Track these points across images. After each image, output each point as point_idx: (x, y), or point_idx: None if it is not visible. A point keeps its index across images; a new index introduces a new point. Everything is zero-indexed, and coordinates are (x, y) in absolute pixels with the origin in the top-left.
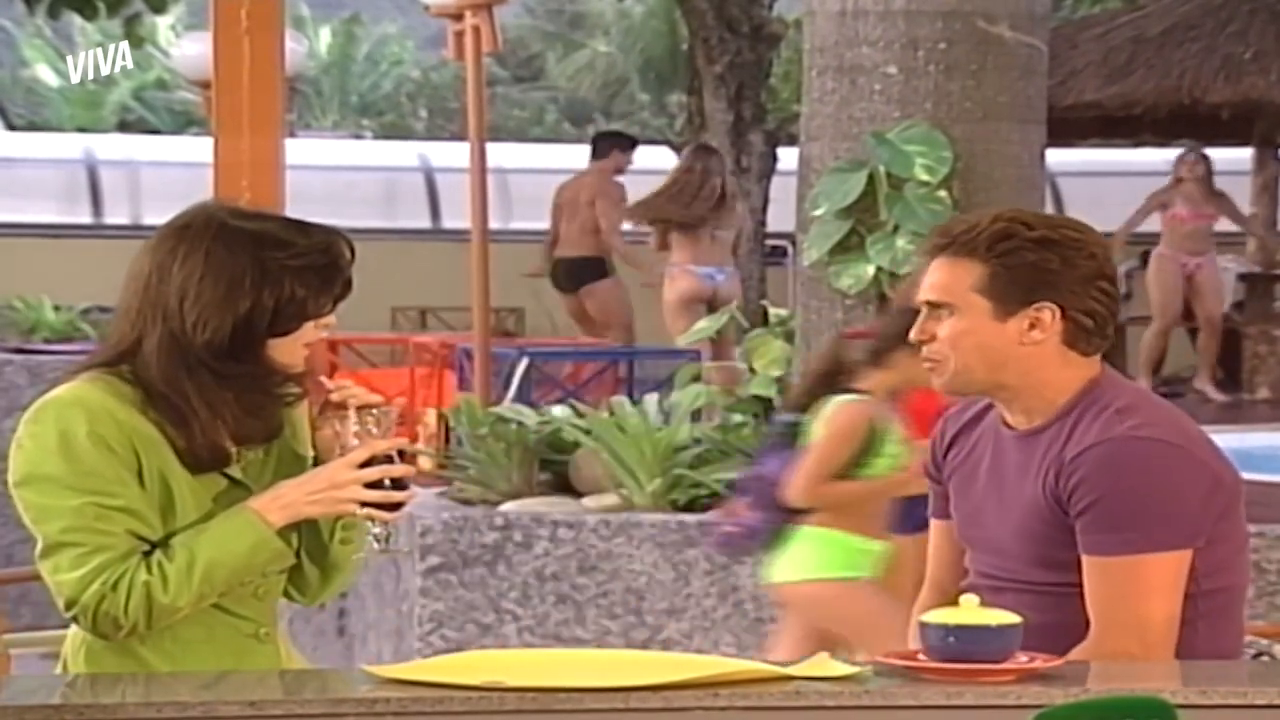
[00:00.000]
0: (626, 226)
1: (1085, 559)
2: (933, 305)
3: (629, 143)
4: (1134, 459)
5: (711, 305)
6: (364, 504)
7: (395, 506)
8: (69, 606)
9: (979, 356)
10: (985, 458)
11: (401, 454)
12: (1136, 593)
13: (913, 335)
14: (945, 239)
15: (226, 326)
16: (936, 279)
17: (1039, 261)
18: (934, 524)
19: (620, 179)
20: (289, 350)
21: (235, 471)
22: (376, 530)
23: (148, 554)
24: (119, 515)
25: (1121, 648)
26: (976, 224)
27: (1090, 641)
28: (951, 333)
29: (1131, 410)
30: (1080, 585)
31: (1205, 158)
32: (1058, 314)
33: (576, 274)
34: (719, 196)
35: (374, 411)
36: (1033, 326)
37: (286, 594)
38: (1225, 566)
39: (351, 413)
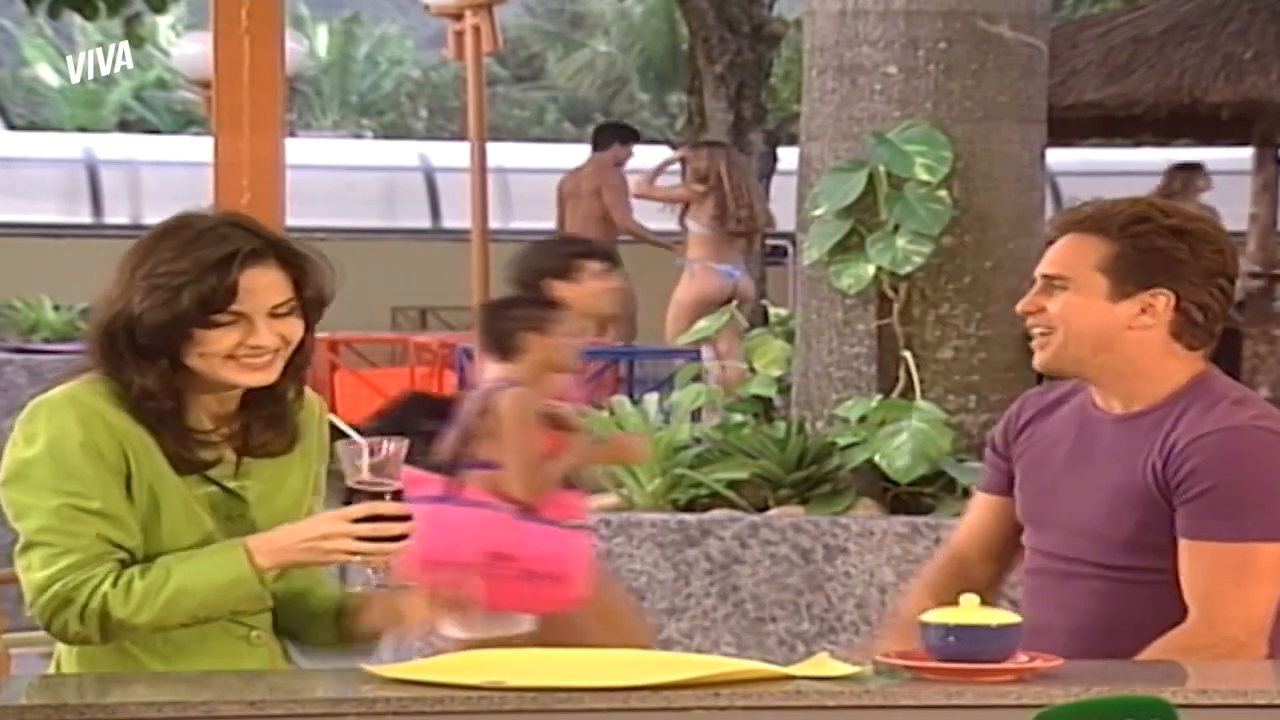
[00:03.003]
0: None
1: (1189, 543)
2: (1049, 279)
3: (630, 135)
4: (1254, 447)
5: (729, 303)
6: (356, 552)
7: (393, 541)
8: (31, 605)
9: (1088, 335)
10: (1067, 439)
11: (399, 495)
12: (1246, 580)
13: (1020, 306)
14: (1081, 215)
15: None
16: (1059, 254)
17: (1168, 248)
18: (981, 497)
19: (622, 170)
20: (208, 366)
21: (228, 480)
22: (370, 572)
23: (125, 565)
24: (92, 519)
25: (1228, 634)
26: (1115, 204)
27: (1195, 625)
28: (1063, 308)
29: (1249, 402)
30: (1159, 572)
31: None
32: (1171, 302)
33: None
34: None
35: (379, 450)
36: (1144, 311)
37: None
38: None
39: (360, 452)
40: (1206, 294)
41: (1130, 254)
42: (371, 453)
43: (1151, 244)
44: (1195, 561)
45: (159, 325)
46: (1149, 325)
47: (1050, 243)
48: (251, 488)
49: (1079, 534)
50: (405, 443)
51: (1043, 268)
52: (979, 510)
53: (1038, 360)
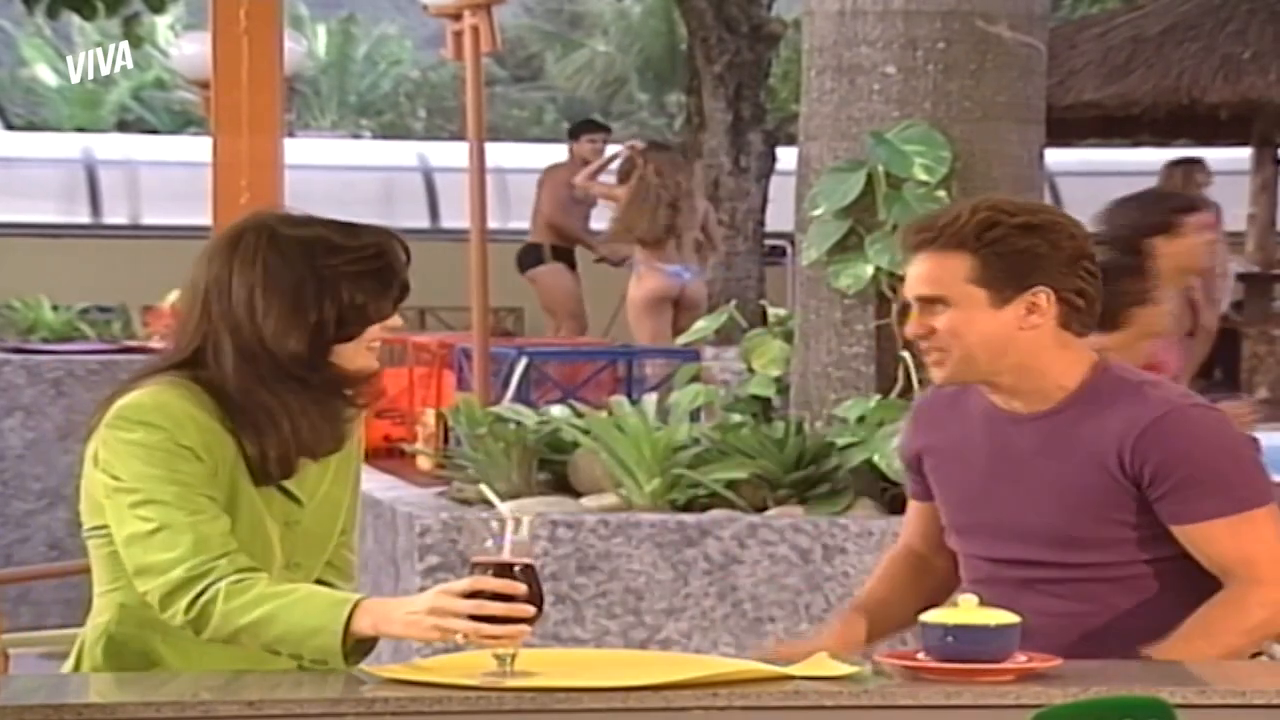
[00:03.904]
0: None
1: (1197, 527)
2: (926, 300)
3: (575, 132)
4: (1206, 424)
5: (677, 304)
6: (467, 634)
7: (510, 622)
8: (146, 590)
9: (982, 346)
10: (979, 444)
11: (529, 571)
12: (1274, 539)
13: (909, 332)
14: (930, 233)
15: (304, 337)
16: (926, 273)
17: (1028, 247)
18: (914, 504)
19: (573, 165)
20: (353, 355)
21: (290, 485)
22: (499, 652)
23: (251, 569)
24: (210, 502)
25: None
26: (958, 216)
27: (1253, 584)
28: (951, 325)
29: (1161, 383)
30: (1121, 566)
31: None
32: (1052, 296)
33: (520, 260)
34: (675, 200)
35: (496, 523)
36: (1030, 311)
37: None
38: None
39: (487, 527)
40: (1077, 279)
41: (994, 261)
42: (501, 527)
43: (1011, 246)
44: (1214, 540)
45: (363, 306)
46: (1038, 324)
47: (904, 261)
48: (305, 492)
49: (1035, 538)
50: (536, 519)
51: (915, 290)
52: (917, 515)
53: (937, 377)
